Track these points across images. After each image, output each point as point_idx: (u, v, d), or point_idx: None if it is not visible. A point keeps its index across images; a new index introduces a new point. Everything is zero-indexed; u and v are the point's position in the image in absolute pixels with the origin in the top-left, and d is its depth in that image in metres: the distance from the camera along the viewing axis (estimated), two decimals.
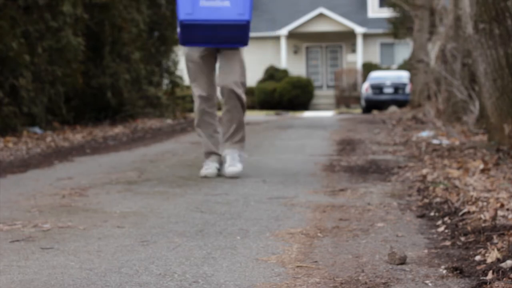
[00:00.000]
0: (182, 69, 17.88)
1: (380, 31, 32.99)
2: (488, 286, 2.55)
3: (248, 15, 5.38)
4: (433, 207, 4.17)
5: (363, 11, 35.78)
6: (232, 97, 5.64)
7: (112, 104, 14.15)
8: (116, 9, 13.97)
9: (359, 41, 34.56)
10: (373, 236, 3.45)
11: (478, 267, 2.79)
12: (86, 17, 12.77)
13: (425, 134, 9.79)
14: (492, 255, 2.87)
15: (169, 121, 15.76)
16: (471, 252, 3.06)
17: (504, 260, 2.78)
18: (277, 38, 34.99)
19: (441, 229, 3.60)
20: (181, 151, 8.30)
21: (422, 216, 3.97)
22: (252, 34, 33.10)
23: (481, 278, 2.65)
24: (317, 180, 5.54)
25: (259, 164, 6.71)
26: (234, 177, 5.59)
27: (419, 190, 4.86)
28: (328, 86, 35.57)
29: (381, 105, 26.35)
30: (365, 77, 31.85)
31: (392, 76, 28.41)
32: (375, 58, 34.90)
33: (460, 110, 11.21)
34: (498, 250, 2.94)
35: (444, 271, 2.78)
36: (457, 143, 8.02)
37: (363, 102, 27.98)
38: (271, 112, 27.59)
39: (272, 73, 33.88)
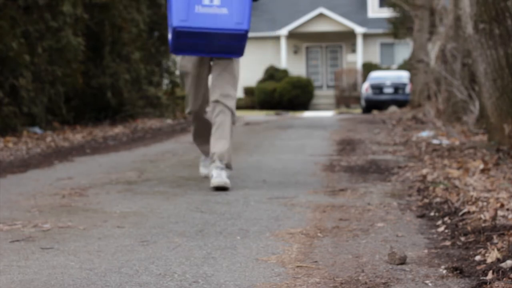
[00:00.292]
0: None
1: (380, 31, 32.98)
2: (488, 286, 2.55)
3: (247, 25, 5.01)
4: (433, 207, 4.17)
5: (363, 11, 35.77)
6: (223, 111, 5.23)
7: (112, 104, 14.15)
8: (116, 9, 13.97)
9: (359, 41, 34.56)
10: (373, 236, 3.45)
11: (478, 267, 2.79)
12: (86, 17, 12.77)
13: (425, 134, 9.79)
14: (492, 255, 2.87)
15: (169, 121, 15.76)
16: (471, 252, 3.06)
17: (504, 260, 2.78)
18: (277, 38, 34.99)
19: (441, 229, 3.60)
20: (181, 151, 8.30)
21: (422, 216, 3.97)
22: (252, 34, 33.12)
23: (481, 278, 2.65)
24: (317, 180, 5.54)
25: (259, 164, 6.71)
26: (221, 188, 5.01)
27: (419, 190, 4.86)
28: (328, 86, 35.56)
29: (381, 105, 26.34)
30: (365, 77, 31.85)
31: (392, 76, 28.40)
32: (375, 58, 34.90)
33: (460, 110, 11.21)
34: (498, 250, 2.94)
35: (444, 271, 2.78)
36: (457, 143, 8.02)
37: (363, 102, 27.97)
38: (271, 112, 27.58)
39: (272, 73, 33.87)
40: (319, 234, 3.51)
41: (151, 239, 3.41)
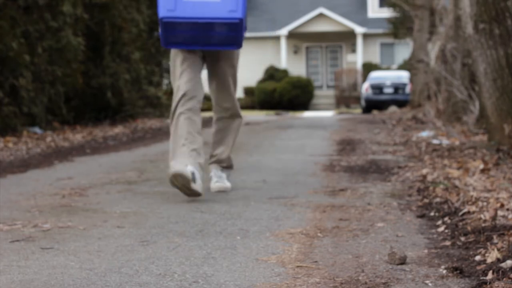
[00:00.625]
0: None
1: (380, 31, 32.99)
2: (488, 286, 2.55)
3: (241, 13, 4.54)
4: (433, 207, 4.17)
5: (363, 11, 35.78)
6: (227, 117, 4.97)
7: (112, 104, 14.15)
8: (116, 9, 13.98)
9: (359, 41, 34.56)
10: (373, 236, 3.45)
11: (478, 267, 2.79)
12: (86, 17, 12.77)
13: (425, 134, 9.79)
14: (492, 255, 2.87)
15: (169, 121, 15.77)
16: (471, 252, 3.06)
17: (504, 260, 2.78)
18: (277, 38, 34.98)
19: (441, 229, 3.60)
20: None
21: (422, 216, 3.97)
22: (252, 34, 33.15)
23: (481, 278, 2.65)
24: (317, 180, 5.54)
25: (259, 164, 6.71)
26: (222, 191, 4.90)
27: (419, 190, 4.86)
28: (328, 86, 35.56)
29: (381, 105, 26.35)
30: (365, 77, 31.85)
31: (392, 76, 28.40)
32: (375, 58, 34.90)
33: (460, 110, 11.21)
34: (498, 250, 2.94)
35: (444, 271, 2.78)
36: (457, 143, 8.02)
37: (363, 102, 27.97)
38: (271, 112, 27.59)
39: (272, 73, 33.88)
40: (319, 234, 3.51)
41: (151, 239, 3.41)
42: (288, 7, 36.29)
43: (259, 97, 32.51)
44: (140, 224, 3.80)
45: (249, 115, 21.82)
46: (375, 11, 35.27)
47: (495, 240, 3.16)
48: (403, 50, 33.35)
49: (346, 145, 8.80)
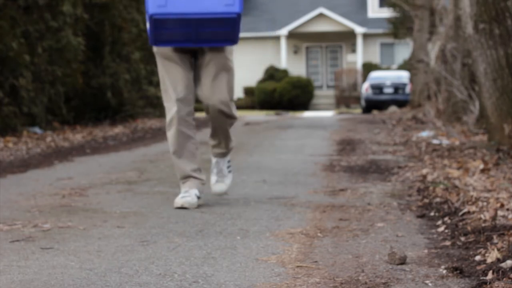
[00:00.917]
0: None
1: (380, 31, 32.98)
2: (488, 286, 2.55)
3: (239, 7, 4.17)
4: (433, 207, 4.17)
5: (363, 11, 35.77)
6: (221, 116, 4.50)
7: (112, 104, 14.15)
8: (116, 9, 13.98)
9: (359, 41, 34.55)
10: (373, 236, 3.45)
11: (478, 267, 2.79)
12: (86, 17, 12.77)
13: (425, 134, 9.79)
14: (492, 255, 2.87)
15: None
16: (471, 252, 3.06)
17: (504, 260, 2.78)
18: (277, 38, 34.97)
19: (441, 229, 3.60)
20: None
21: (422, 216, 3.97)
22: (252, 34, 33.16)
23: (481, 278, 2.65)
24: (317, 180, 5.54)
25: (259, 164, 6.71)
26: (222, 194, 4.72)
27: (419, 190, 4.86)
28: (328, 86, 35.55)
29: (381, 105, 26.34)
30: (365, 77, 31.84)
31: (392, 76, 28.39)
32: (375, 58, 34.89)
33: (460, 110, 11.21)
34: (498, 250, 2.94)
35: (444, 271, 2.78)
36: (457, 143, 8.02)
37: (363, 102, 27.97)
38: (271, 112, 27.57)
39: (272, 73, 33.86)
40: (319, 234, 3.51)
41: (151, 239, 3.41)
42: (288, 7, 36.28)
43: (259, 97, 32.50)
44: (140, 224, 3.80)
45: (249, 115, 21.82)
46: (375, 11, 35.27)
47: (495, 240, 3.16)
48: (403, 50, 33.35)
49: (346, 145, 8.80)
